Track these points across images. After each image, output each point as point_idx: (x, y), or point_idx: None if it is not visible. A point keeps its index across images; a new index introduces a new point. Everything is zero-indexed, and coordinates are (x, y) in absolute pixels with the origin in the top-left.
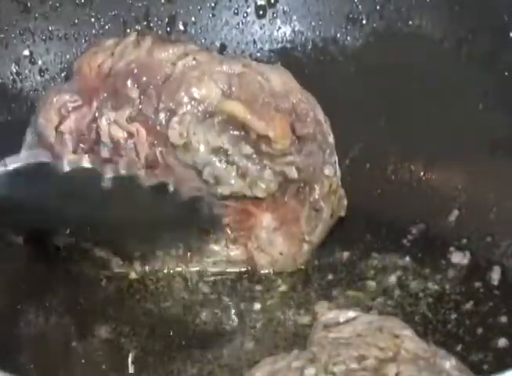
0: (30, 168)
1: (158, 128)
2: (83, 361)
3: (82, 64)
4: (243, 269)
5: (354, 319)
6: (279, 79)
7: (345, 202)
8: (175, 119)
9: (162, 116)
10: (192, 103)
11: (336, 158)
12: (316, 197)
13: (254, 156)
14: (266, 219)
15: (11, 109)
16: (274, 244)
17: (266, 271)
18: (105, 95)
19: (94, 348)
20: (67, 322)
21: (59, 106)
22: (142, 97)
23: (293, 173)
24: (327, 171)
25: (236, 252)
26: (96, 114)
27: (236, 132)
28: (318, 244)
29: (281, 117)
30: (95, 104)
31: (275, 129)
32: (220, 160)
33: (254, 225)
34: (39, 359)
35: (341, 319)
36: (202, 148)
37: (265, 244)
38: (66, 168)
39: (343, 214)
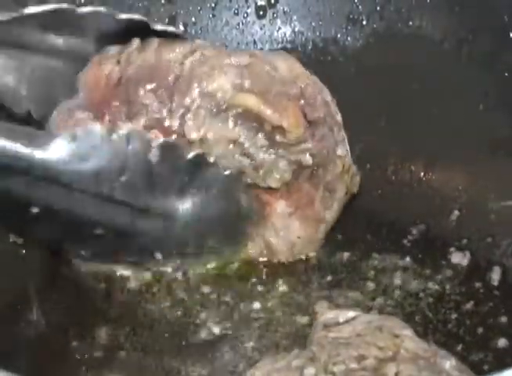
0: (81, 134)
1: (174, 129)
2: (83, 361)
3: (88, 76)
4: (241, 269)
5: (353, 318)
6: (285, 65)
7: (358, 178)
8: (189, 115)
9: (177, 116)
10: (205, 97)
11: (345, 136)
12: (330, 178)
13: (269, 147)
14: (280, 206)
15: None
16: (290, 229)
17: (284, 259)
18: (117, 104)
19: (94, 349)
20: (67, 322)
21: (72, 124)
22: (155, 102)
23: (307, 160)
24: (340, 151)
25: (253, 243)
26: None
27: (250, 125)
28: (333, 223)
29: (293, 106)
30: (107, 117)
31: (289, 119)
32: (235, 153)
33: (269, 213)
34: (39, 359)
35: (341, 319)
36: (218, 142)
37: (281, 231)
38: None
39: (355, 190)
